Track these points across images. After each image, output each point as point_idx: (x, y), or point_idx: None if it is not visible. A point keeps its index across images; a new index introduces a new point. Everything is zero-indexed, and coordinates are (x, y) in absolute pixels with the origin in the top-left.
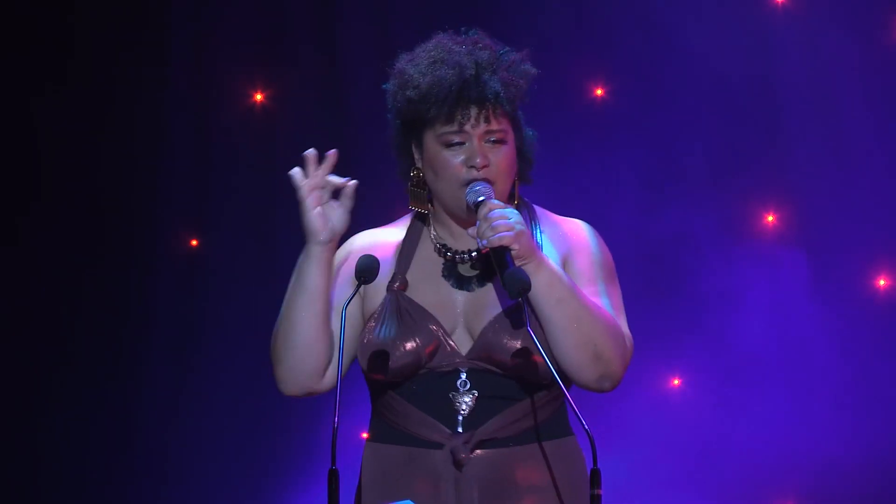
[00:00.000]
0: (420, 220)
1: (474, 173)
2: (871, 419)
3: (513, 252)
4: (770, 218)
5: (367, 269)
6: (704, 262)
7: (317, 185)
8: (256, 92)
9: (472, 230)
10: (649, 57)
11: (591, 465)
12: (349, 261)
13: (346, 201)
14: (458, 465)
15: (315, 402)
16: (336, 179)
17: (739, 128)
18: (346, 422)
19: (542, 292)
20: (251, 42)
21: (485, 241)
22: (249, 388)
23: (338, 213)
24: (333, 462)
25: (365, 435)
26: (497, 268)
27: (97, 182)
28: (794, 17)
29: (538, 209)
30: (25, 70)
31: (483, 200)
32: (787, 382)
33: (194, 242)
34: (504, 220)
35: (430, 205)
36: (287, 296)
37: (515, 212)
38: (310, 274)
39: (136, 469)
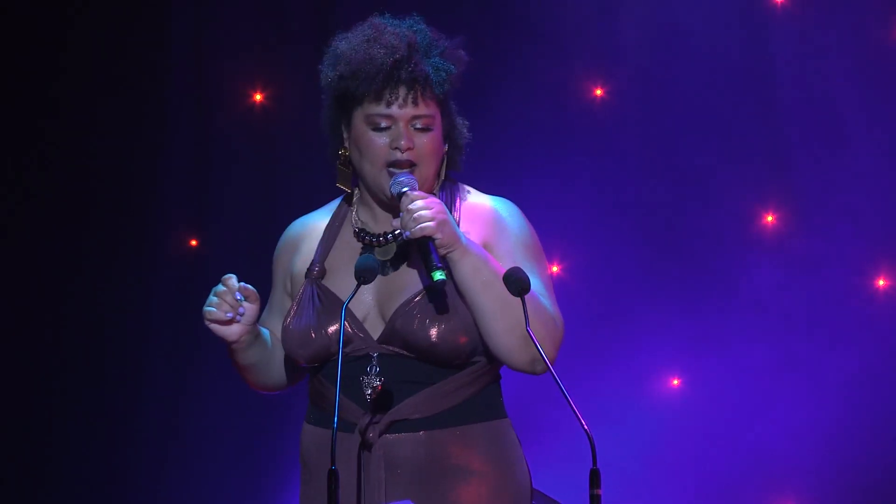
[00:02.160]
0: (347, 203)
1: (398, 155)
2: (871, 419)
3: (436, 241)
4: (770, 218)
5: (366, 269)
6: (704, 262)
7: (231, 308)
8: (256, 92)
9: (395, 221)
10: (649, 57)
11: (592, 466)
12: (281, 258)
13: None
14: (365, 445)
15: None
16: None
17: (739, 127)
18: None
19: (468, 278)
20: (251, 42)
21: (408, 233)
22: (249, 388)
23: (250, 309)
24: (333, 462)
25: None
26: (422, 258)
27: (97, 182)
28: (794, 16)
29: (464, 188)
30: (25, 70)
31: (406, 192)
32: (786, 382)
33: (194, 242)
34: (426, 210)
35: (356, 187)
36: (236, 367)
37: (438, 201)
38: (245, 356)
39: (136, 469)
